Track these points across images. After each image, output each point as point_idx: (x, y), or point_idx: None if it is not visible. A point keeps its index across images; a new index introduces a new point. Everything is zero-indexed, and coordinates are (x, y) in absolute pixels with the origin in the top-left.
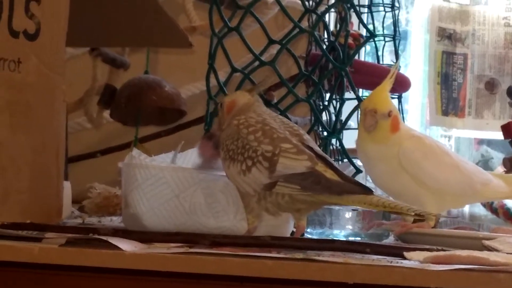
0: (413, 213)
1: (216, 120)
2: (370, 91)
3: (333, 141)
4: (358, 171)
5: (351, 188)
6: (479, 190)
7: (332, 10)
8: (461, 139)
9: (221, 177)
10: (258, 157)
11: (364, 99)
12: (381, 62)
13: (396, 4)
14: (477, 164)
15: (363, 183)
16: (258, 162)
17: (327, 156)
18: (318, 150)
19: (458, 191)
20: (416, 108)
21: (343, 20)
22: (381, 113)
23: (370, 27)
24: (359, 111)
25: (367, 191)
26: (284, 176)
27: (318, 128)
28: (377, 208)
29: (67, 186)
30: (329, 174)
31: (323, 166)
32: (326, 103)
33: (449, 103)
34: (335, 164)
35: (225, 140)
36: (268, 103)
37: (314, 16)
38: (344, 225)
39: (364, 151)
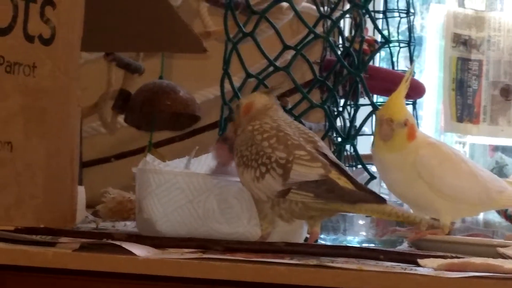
0: (426, 225)
1: (231, 124)
2: (384, 97)
3: (347, 147)
4: (372, 177)
5: (364, 197)
6: (494, 198)
7: (347, 15)
8: (475, 145)
9: (234, 183)
10: (272, 164)
11: (379, 106)
12: (395, 68)
13: (411, 10)
14: (491, 170)
15: (377, 189)
16: (272, 169)
17: (341, 163)
18: (332, 157)
19: (474, 199)
20: (431, 114)
21: (358, 26)
22: (398, 122)
23: (385, 32)
24: (375, 119)
25: (380, 200)
26: (298, 183)
27: (332, 134)
28: (390, 218)
29: (81, 190)
30: (343, 181)
31: (337, 174)
32: (340, 109)
33: (464, 109)
34: (349, 171)
35: (239, 146)
36: (282, 109)
37: (329, 22)
38: (358, 232)
39: (380, 159)
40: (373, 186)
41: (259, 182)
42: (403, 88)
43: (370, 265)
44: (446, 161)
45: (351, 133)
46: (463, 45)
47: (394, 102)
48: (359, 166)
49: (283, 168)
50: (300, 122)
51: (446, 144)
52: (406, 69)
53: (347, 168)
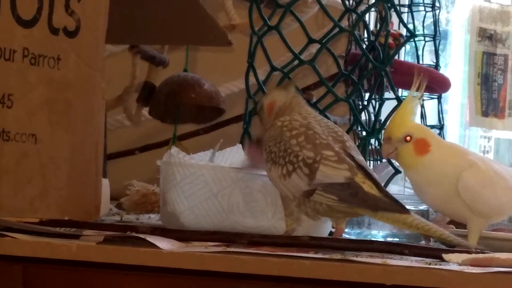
0: (446, 241)
1: (258, 120)
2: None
3: (372, 141)
4: (396, 171)
5: (386, 205)
6: None
7: (373, 9)
8: (500, 140)
9: (259, 177)
10: (299, 163)
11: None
12: (421, 62)
13: (437, 4)
14: None
15: (402, 184)
16: (299, 167)
17: (367, 166)
18: (360, 159)
19: (510, 212)
20: (456, 108)
21: (383, 20)
22: (396, 139)
23: (410, 26)
24: None
25: (403, 210)
26: (323, 184)
27: (357, 128)
28: (411, 229)
29: (105, 183)
30: (367, 186)
31: (362, 177)
32: (365, 103)
33: (489, 104)
34: (375, 175)
35: (268, 141)
36: (307, 103)
37: (354, 16)
38: (383, 226)
39: (408, 176)
40: (398, 180)
41: (285, 180)
42: (406, 103)
43: (395, 260)
44: (489, 184)
45: (376, 127)
46: (489, 39)
47: (393, 119)
48: (384, 160)
49: (309, 168)
50: (325, 116)
51: (486, 159)
52: (432, 63)
53: (373, 172)
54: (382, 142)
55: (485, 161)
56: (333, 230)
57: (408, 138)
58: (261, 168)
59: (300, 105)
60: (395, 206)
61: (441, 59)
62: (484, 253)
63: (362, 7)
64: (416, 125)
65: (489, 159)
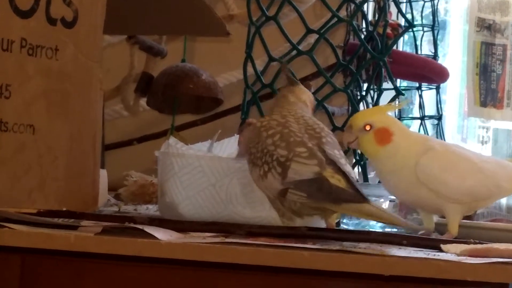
0: (399, 225)
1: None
2: (408, 81)
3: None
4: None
5: (347, 196)
6: (505, 186)
7: None
8: (499, 130)
9: None
10: (273, 162)
11: (402, 90)
12: (419, 52)
13: None
14: None
15: None
16: (273, 167)
17: (339, 160)
18: (331, 153)
19: (482, 194)
20: (454, 99)
21: (381, 10)
22: (357, 128)
23: (409, 16)
24: None
25: (362, 199)
26: (294, 182)
27: None
28: (372, 219)
29: (103, 174)
30: (335, 180)
31: (332, 172)
32: (363, 93)
33: (487, 94)
34: (347, 168)
35: (249, 142)
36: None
37: (352, 6)
38: None
39: (373, 166)
40: None
41: (263, 181)
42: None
43: (393, 250)
44: (449, 165)
45: None
46: (487, 29)
47: (361, 111)
48: None
49: (282, 166)
50: (323, 106)
51: (446, 144)
52: (430, 53)
53: (345, 165)
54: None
55: (445, 145)
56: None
57: (367, 127)
58: None
59: (286, 102)
60: (355, 196)
61: (440, 49)
62: (482, 243)
63: None
64: (379, 115)
65: (453, 144)
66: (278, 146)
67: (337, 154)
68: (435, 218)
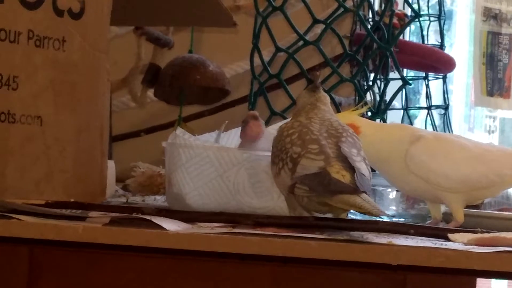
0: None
1: None
2: (414, 71)
3: (378, 121)
4: None
5: (341, 188)
6: (509, 174)
7: None
8: (506, 119)
9: (265, 157)
10: (287, 159)
11: (409, 80)
12: (426, 42)
13: None
14: None
15: None
16: (286, 164)
17: (352, 157)
18: (348, 151)
19: (481, 182)
20: (461, 88)
21: (388, 0)
22: None
23: (415, 6)
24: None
25: (353, 191)
26: (300, 177)
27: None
28: (360, 211)
29: (111, 165)
30: (340, 176)
31: (339, 168)
32: (370, 83)
33: (494, 83)
34: (360, 165)
35: (273, 144)
36: (311, 83)
37: None
38: (388, 206)
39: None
40: None
41: (277, 178)
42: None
43: (400, 240)
44: (439, 153)
45: (381, 108)
46: (494, 19)
47: None
48: None
49: (293, 162)
50: (330, 96)
51: (440, 133)
52: (437, 43)
53: (361, 163)
54: None
55: (437, 134)
56: None
57: None
58: (255, 142)
59: (315, 110)
60: (346, 187)
61: (446, 39)
62: (489, 232)
63: None
64: (341, 114)
65: (452, 134)
66: (294, 144)
67: (354, 152)
68: (443, 208)
